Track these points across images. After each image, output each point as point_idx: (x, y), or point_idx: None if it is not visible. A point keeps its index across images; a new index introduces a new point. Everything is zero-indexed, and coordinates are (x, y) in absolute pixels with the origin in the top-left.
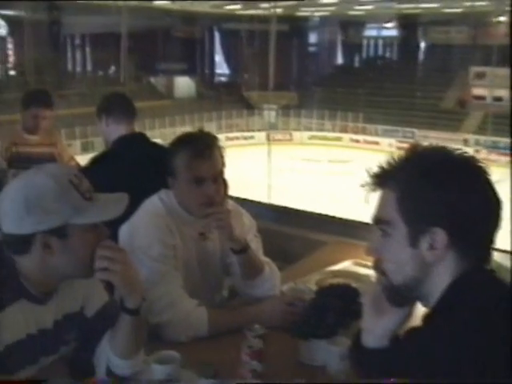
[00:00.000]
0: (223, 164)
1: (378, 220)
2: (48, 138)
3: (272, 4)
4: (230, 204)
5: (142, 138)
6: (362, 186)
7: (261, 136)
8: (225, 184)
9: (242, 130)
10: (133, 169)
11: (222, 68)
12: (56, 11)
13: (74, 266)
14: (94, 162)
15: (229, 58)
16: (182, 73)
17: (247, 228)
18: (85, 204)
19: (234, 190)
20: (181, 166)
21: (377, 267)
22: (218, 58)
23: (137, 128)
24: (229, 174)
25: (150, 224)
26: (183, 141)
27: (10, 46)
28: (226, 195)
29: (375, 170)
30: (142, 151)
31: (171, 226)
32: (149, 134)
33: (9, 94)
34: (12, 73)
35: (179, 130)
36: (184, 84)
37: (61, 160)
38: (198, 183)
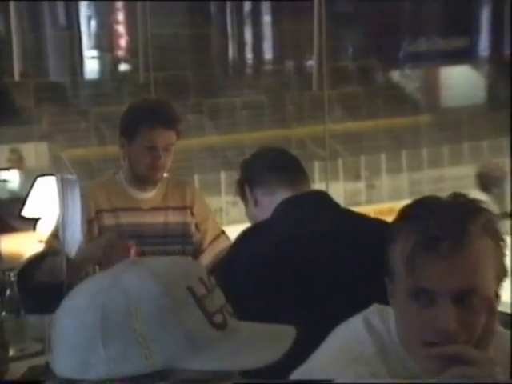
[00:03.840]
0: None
1: None
2: (177, 195)
3: None
4: (499, 333)
5: (323, 200)
6: None
7: None
8: (489, 306)
9: None
10: (307, 249)
11: None
12: None
13: None
14: (239, 238)
15: None
16: None
17: None
18: (211, 334)
19: None
20: (402, 263)
21: None
22: None
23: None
24: None
25: (344, 371)
26: (411, 218)
27: (120, 17)
28: (484, 321)
29: None
30: (325, 221)
31: (384, 377)
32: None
33: (115, 105)
34: (124, 67)
35: None
36: None
37: (201, 237)
38: (424, 298)
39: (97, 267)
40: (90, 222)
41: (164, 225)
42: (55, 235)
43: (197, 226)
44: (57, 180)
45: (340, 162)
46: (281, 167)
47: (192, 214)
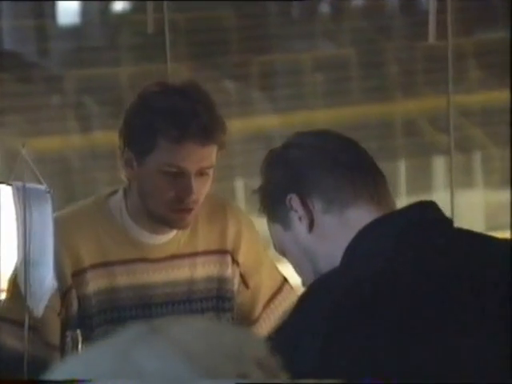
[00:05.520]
0: None
1: None
2: (211, 231)
3: None
4: None
5: (433, 221)
6: None
7: None
8: None
9: None
10: (414, 299)
11: None
12: None
13: None
14: (309, 294)
15: None
16: None
17: None
18: None
19: None
20: None
21: None
22: None
23: None
24: None
25: None
26: None
27: None
28: None
29: None
30: (439, 254)
31: None
32: None
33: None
34: (122, 6)
35: None
36: None
37: (251, 298)
38: None
39: (79, 331)
40: (66, 293)
41: (188, 283)
42: (14, 281)
43: (243, 280)
44: (14, 191)
45: (478, 155)
46: (354, 166)
47: (234, 260)
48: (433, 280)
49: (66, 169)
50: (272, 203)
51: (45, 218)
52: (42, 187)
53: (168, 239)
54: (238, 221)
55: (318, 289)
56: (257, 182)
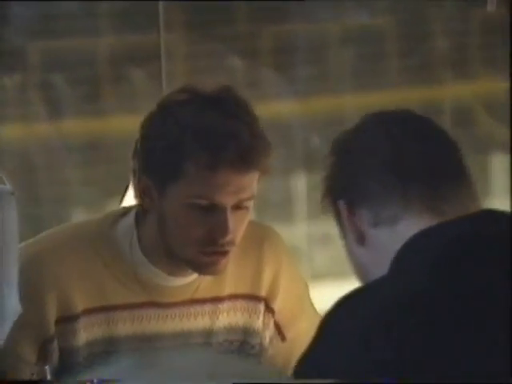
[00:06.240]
0: None
1: None
2: (243, 270)
3: None
4: None
5: (495, 232)
6: None
7: None
8: None
9: None
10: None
11: None
12: None
13: None
14: (334, 313)
15: None
16: None
17: None
18: None
19: None
20: None
21: None
22: None
23: None
24: None
25: None
26: None
27: None
28: None
29: None
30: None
31: None
32: None
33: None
34: None
35: None
36: None
37: (288, 353)
38: None
39: (47, 368)
40: (45, 343)
41: (206, 334)
42: None
43: (279, 331)
44: None
45: None
46: (409, 173)
47: (268, 308)
48: (487, 297)
49: (29, 164)
50: (329, 201)
51: (8, 225)
52: (5, 187)
53: (187, 283)
54: (278, 259)
55: (349, 303)
56: (271, 182)
